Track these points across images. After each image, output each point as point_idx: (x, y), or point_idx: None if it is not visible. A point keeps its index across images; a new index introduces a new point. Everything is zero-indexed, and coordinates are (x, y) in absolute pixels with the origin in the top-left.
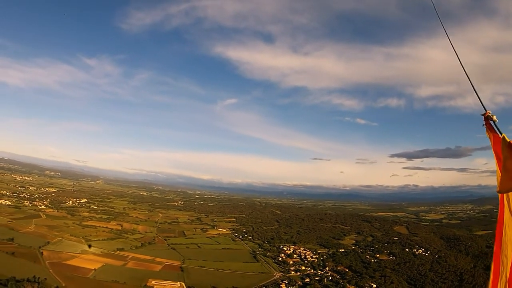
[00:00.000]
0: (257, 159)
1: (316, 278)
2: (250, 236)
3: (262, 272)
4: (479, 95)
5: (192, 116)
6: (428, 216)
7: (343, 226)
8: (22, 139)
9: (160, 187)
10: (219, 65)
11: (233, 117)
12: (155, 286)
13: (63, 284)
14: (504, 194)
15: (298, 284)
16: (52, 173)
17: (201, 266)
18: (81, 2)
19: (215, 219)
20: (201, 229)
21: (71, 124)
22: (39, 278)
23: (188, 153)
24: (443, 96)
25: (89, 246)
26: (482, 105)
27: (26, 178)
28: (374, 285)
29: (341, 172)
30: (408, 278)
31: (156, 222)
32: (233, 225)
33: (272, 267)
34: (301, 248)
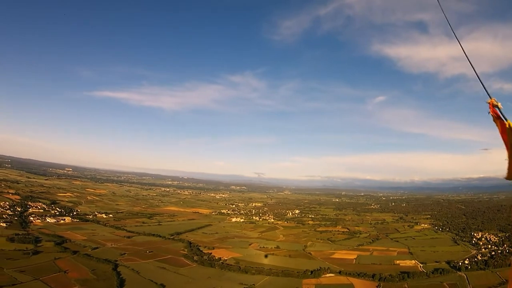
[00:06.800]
0: (424, 156)
1: (499, 251)
2: (447, 228)
3: (463, 251)
4: (483, 82)
5: (347, 118)
6: None
7: None
8: (189, 157)
9: (344, 192)
10: (373, 63)
11: (388, 114)
12: (400, 264)
13: (342, 269)
14: None
15: (487, 255)
16: (238, 187)
17: (422, 250)
18: (220, 23)
19: (414, 217)
20: (408, 226)
21: (238, 138)
22: (323, 268)
23: (355, 156)
24: None
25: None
26: (487, 92)
27: (222, 195)
28: None
29: (506, 160)
30: None
31: (370, 224)
32: (430, 221)
33: (468, 247)
34: (486, 233)
